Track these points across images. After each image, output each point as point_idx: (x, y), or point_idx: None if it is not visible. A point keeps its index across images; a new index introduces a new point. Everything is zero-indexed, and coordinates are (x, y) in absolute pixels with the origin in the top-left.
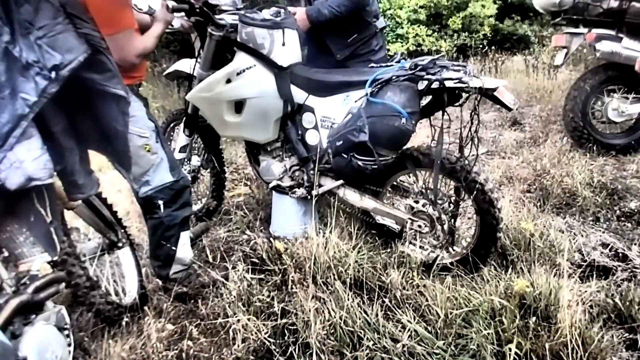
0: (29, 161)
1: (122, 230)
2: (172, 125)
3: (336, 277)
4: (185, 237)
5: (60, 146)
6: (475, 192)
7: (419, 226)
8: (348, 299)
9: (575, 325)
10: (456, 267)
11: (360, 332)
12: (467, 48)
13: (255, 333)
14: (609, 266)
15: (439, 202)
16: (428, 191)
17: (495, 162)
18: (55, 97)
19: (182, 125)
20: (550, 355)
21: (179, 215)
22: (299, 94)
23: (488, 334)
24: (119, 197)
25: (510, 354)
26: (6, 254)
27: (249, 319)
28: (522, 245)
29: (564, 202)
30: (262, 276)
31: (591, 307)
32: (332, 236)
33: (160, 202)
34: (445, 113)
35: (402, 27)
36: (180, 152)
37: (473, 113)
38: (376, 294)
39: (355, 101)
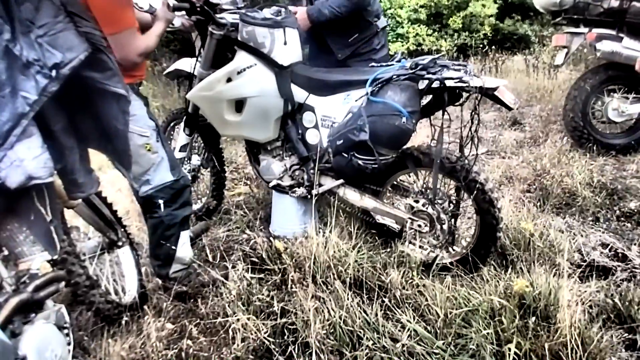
0: (29, 160)
1: (122, 229)
2: (172, 124)
3: (336, 276)
4: (185, 236)
5: (61, 145)
6: (475, 192)
7: (419, 226)
8: (348, 299)
9: (575, 325)
10: (456, 266)
11: (360, 332)
12: (467, 48)
13: (255, 332)
14: (609, 266)
15: (439, 201)
16: (428, 191)
17: (495, 161)
18: (56, 95)
19: (182, 124)
20: (549, 355)
21: (179, 214)
22: (299, 93)
23: (487, 333)
24: (119, 196)
25: (509, 354)
26: (6, 252)
27: (248, 319)
28: (522, 245)
29: (564, 202)
30: (261, 275)
31: (591, 307)
32: (332, 236)
33: (161, 202)
34: (446, 112)
35: (403, 27)
36: (180, 151)
37: (473, 112)
38: (376, 293)
39: (356, 100)
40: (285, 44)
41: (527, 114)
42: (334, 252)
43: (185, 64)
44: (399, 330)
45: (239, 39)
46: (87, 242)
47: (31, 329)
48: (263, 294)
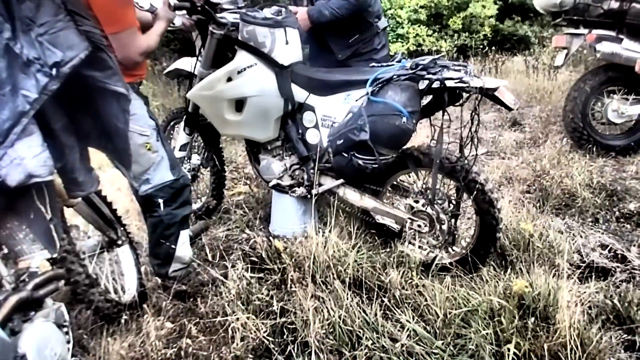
0: (30, 158)
1: (122, 228)
2: (172, 123)
3: (335, 276)
4: (184, 235)
5: (61, 143)
6: (475, 192)
7: (419, 226)
8: (347, 298)
9: (574, 326)
10: (455, 267)
11: (359, 332)
12: (467, 48)
13: (254, 332)
14: (608, 267)
15: (439, 202)
16: (428, 191)
17: (495, 162)
18: (56, 94)
19: (182, 123)
20: (548, 356)
21: (179, 213)
22: (299, 93)
23: (487, 334)
24: (119, 195)
25: (508, 354)
26: (6, 250)
27: (248, 318)
28: (522, 246)
29: (564, 203)
30: (261, 275)
31: (590, 308)
32: (332, 235)
33: (160, 201)
34: (446, 113)
35: (403, 27)
36: (180, 150)
37: (473, 113)
38: (375, 293)
39: (356, 100)
40: (287, 43)
41: (526, 114)
42: (334, 251)
43: (186, 64)
44: (399, 330)
45: (240, 38)
46: (86, 240)
47: (31, 327)
48: (262, 294)
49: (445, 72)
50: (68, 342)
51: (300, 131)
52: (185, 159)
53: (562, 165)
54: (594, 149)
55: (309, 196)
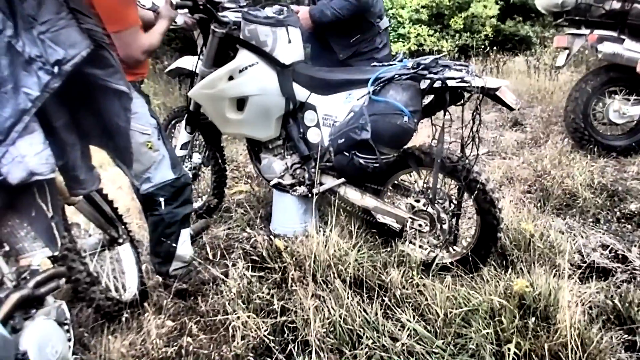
0: (31, 156)
1: (123, 227)
2: (173, 122)
3: (336, 275)
4: (185, 234)
5: (62, 141)
6: (476, 192)
7: (420, 225)
8: (348, 298)
9: (575, 326)
10: (456, 266)
11: (360, 331)
12: (468, 48)
13: (255, 330)
14: (609, 267)
15: (440, 201)
16: (429, 190)
17: (496, 162)
18: (58, 92)
19: (183, 122)
20: (549, 356)
21: (180, 212)
22: (301, 92)
23: (487, 333)
24: (120, 193)
25: (509, 354)
26: (7, 248)
27: (248, 317)
28: (522, 246)
29: (565, 203)
30: (262, 274)
31: (590, 308)
32: (332, 234)
33: (161, 199)
34: (447, 112)
35: (404, 27)
36: (181, 149)
37: (475, 113)
38: (376, 292)
39: (358, 99)
40: (289, 42)
41: (528, 115)
42: (334, 251)
43: (187, 62)
44: (399, 330)
45: (241, 37)
46: (87, 239)
47: (32, 325)
48: (263, 292)
49: (447, 71)
50: (69, 340)
51: (301, 130)
52: (187, 157)
53: (563, 166)
54: (595, 150)
55: (309, 195)
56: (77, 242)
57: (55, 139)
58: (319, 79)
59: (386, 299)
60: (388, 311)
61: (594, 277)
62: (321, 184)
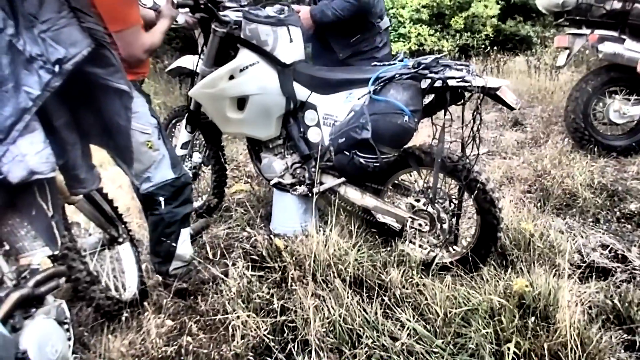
0: (32, 155)
1: (123, 226)
2: (174, 121)
3: (336, 275)
4: (185, 233)
5: (63, 140)
6: (476, 192)
7: (420, 225)
8: (347, 297)
9: (574, 326)
10: (456, 266)
11: (360, 330)
12: (469, 48)
13: (255, 330)
14: (609, 267)
15: (440, 201)
16: (429, 190)
17: (496, 162)
18: (59, 91)
19: (184, 121)
20: (548, 355)
21: (180, 212)
22: (301, 91)
23: (487, 333)
24: (120, 192)
25: (508, 354)
26: (7, 247)
27: (248, 316)
28: (522, 246)
29: (564, 203)
30: (261, 273)
31: (590, 307)
32: (332, 234)
33: (161, 199)
34: (447, 112)
35: (405, 27)
36: (181, 148)
37: (475, 112)
38: (376, 292)
39: (358, 99)
40: (290, 41)
41: (528, 114)
42: (334, 250)
43: (188, 62)
44: (399, 329)
45: (242, 36)
46: (87, 238)
47: (32, 324)
48: (263, 292)
49: (448, 71)
50: (69, 339)
51: (302, 129)
52: (187, 157)
53: (563, 165)
54: (595, 149)
55: (310, 195)
56: (77, 241)
57: (56, 138)
58: (319, 78)
59: (386, 299)
60: (388, 311)
61: (594, 276)
62: (321, 183)
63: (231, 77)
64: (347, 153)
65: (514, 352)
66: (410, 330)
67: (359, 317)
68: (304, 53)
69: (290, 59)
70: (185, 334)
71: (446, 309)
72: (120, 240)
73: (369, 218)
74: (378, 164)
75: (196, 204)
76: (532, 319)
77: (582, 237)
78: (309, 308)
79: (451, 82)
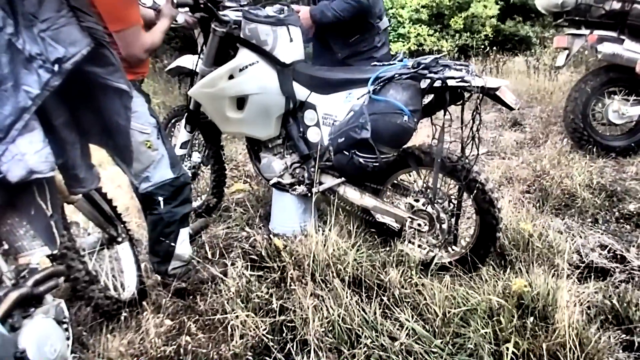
0: (31, 154)
1: (122, 226)
2: (173, 121)
3: (335, 274)
4: (184, 233)
5: (62, 139)
6: (475, 192)
7: (419, 225)
8: (346, 297)
9: (573, 326)
10: (455, 266)
11: (359, 330)
12: (468, 48)
13: (254, 329)
14: (607, 267)
15: (439, 201)
16: (428, 190)
17: (495, 162)
18: (58, 90)
19: (183, 121)
20: (547, 355)
21: (179, 211)
22: (301, 91)
23: (486, 333)
24: (119, 192)
25: (507, 354)
26: (6, 246)
27: (247, 316)
28: (521, 246)
29: (563, 203)
30: (260, 273)
31: (589, 308)
32: (332, 234)
33: (160, 199)
34: (447, 112)
35: (404, 27)
36: (181, 148)
37: (475, 112)
38: (375, 292)
39: (358, 98)
40: (290, 41)
41: (527, 115)
42: (333, 250)
43: (187, 61)
44: (398, 329)
45: (242, 36)
46: (86, 237)
47: (30, 323)
48: (262, 292)
49: (447, 71)
50: (68, 338)
51: (301, 129)
52: (186, 156)
53: (562, 166)
54: (594, 150)
55: (309, 194)
56: (76, 240)
57: (55, 137)
58: (319, 78)
59: (385, 299)
60: (387, 310)
61: (593, 277)
62: (321, 183)
63: (231, 77)
64: (347, 153)
65: (513, 352)
66: (409, 330)
67: (357, 317)
68: (304, 53)
69: (289, 58)
70: (184, 333)
71: (445, 309)
72: (119, 239)
73: (368, 218)
74: (377, 164)
75: (195, 204)
76: (531, 319)
77: (581, 237)
78: (308, 308)
79: (451, 82)
